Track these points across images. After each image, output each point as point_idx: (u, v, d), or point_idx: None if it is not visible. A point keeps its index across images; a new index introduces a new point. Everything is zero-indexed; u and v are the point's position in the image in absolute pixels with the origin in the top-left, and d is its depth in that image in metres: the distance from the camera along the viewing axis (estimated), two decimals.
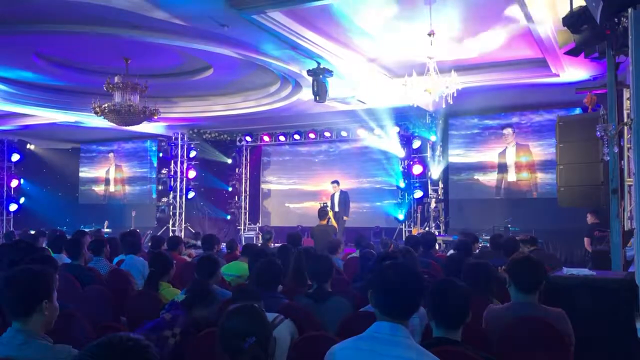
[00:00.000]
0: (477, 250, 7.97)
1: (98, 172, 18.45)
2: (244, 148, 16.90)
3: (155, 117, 10.78)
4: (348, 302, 3.88)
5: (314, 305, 3.83)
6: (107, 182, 18.27)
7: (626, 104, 7.22)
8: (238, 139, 16.66)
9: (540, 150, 12.81)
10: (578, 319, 3.26)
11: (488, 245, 8.09)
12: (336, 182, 12.78)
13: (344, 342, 2.29)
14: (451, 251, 7.30)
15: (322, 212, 10.56)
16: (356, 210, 15.23)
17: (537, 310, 3.19)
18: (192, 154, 16.41)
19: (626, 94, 7.21)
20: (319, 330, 3.30)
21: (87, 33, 8.18)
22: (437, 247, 9.80)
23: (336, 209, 12.20)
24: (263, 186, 17.02)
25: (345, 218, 12.18)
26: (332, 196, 12.54)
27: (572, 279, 4.24)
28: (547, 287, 3.44)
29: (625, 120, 6.59)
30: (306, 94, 10.73)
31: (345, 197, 12.42)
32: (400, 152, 14.19)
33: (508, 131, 13.19)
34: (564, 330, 3.08)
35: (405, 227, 13.94)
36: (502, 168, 13.25)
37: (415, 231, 12.99)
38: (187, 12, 7.24)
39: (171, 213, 16.19)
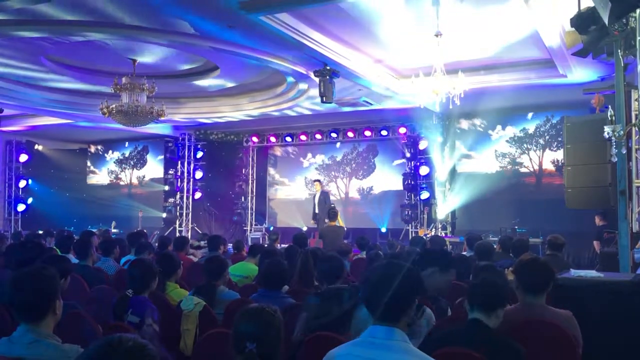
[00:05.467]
0: None
1: (105, 172, 18.53)
2: (250, 149, 16.91)
3: (162, 118, 10.83)
4: None
5: None
6: (114, 182, 18.34)
7: (634, 105, 7.19)
8: (245, 139, 16.68)
9: (547, 151, 12.78)
10: (586, 321, 3.25)
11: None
12: (318, 180, 12.36)
13: (339, 347, 2.25)
14: (469, 252, 7.18)
15: (332, 213, 10.49)
16: (362, 212, 15.26)
17: (544, 312, 3.18)
18: (199, 154, 16.48)
19: (634, 95, 7.18)
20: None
21: (95, 35, 8.22)
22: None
23: (316, 210, 11.63)
24: (269, 187, 17.04)
25: (326, 221, 11.12)
26: (314, 197, 11.89)
27: (579, 280, 4.22)
28: (555, 289, 3.43)
29: (634, 121, 6.56)
30: (313, 95, 10.74)
31: (325, 197, 11.87)
32: (407, 153, 14.18)
33: (514, 131, 13.16)
34: (571, 332, 3.07)
35: (411, 228, 13.91)
36: (509, 169, 13.22)
37: (421, 232, 12.96)
38: (194, 12, 7.25)
39: (178, 213, 16.24)
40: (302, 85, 10.73)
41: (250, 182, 16.91)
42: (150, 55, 9.70)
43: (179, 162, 16.39)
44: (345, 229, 11.17)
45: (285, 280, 4.26)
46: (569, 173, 7.89)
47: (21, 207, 16.79)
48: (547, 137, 12.80)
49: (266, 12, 7.01)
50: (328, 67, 9.03)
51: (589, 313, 3.56)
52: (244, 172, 16.87)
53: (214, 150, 16.64)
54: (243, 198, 16.82)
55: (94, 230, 10.68)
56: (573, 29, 5.73)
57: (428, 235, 11.04)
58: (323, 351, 2.33)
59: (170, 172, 16.70)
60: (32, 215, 16.91)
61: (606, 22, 4.54)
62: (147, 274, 3.82)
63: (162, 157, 17.37)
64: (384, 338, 2.13)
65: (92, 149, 18.84)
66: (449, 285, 3.84)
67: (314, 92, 9.93)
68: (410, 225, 13.96)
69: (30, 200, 17.12)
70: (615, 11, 4.06)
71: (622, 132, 4.99)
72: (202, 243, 10.27)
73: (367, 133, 14.60)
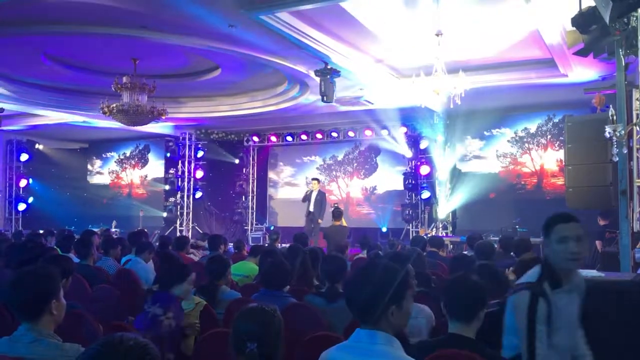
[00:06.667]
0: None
1: (106, 171, 18.53)
2: (251, 148, 16.92)
3: (163, 117, 10.83)
4: None
5: (325, 304, 3.82)
6: (114, 181, 18.34)
7: (635, 104, 7.18)
8: (245, 139, 16.69)
9: (548, 151, 12.76)
10: (585, 321, 3.24)
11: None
12: (317, 179, 12.21)
13: (328, 351, 2.21)
14: (470, 252, 7.15)
15: (336, 213, 10.42)
16: (363, 211, 15.26)
17: None
18: (200, 154, 16.46)
19: (635, 94, 7.16)
20: (327, 331, 3.30)
21: (96, 34, 8.23)
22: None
23: (311, 209, 11.38)
24: (270, 186, 17.04)
25: (319, 221, 11.32)
26: (309, 195, 11.64)
27: None
28: None
29: (635, 120, 6.56)
30: (313, 94, 10.73)
31: (322, 198, 11.67)
32: (408, 153, 14.16)
33: (515, 131, 13.15)
34: None
35: (412, 227, 13.91)
36: (509, 168, 13.21)
37: (422, 232, 12.96)
38: (195, 12, 7.26)
39: (178, 213, 16.24)
40: (303, 85, 10.73)
41: (250, 181, 16.92)
42: (150, 55, 9.70)
43: (180, 161, 16.38)
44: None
45: (287, 280, 4.26)
46: (570, 172, 7.87)
47: (22, 207, 16.81)
48: (549, 136, 12.79)
49: (266, 11, 7.02)
50: (329, 67, 9.03)
51: (589, 312, 3.55)
52: (244, 171, 16.88)
53: (215, 150, 16.64)
54: (244, 197, 16.83)
55: (95, 230, 10.68)
56: (574, 28, 5.72)
57: (428, 235, 11.02)
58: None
59: (170, 171, 16.70)
60: (33, 215, 16.92)
61: (607, 21, 4.54)
62: (174, 274, 3.78)
63: (163, 156, 17.36)
64: (367, 342, 2.07)
65: (93, 148, 18.83)
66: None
67: (315, 91, 9.93)
68: (411, 224, 13.95)
69: (30, 200, 17.13)
70: (617, 10, 4.06)
71: (623, 131, 4.99)
72: (201, 243, 10.24)
73: (368, 133, 14.61)
